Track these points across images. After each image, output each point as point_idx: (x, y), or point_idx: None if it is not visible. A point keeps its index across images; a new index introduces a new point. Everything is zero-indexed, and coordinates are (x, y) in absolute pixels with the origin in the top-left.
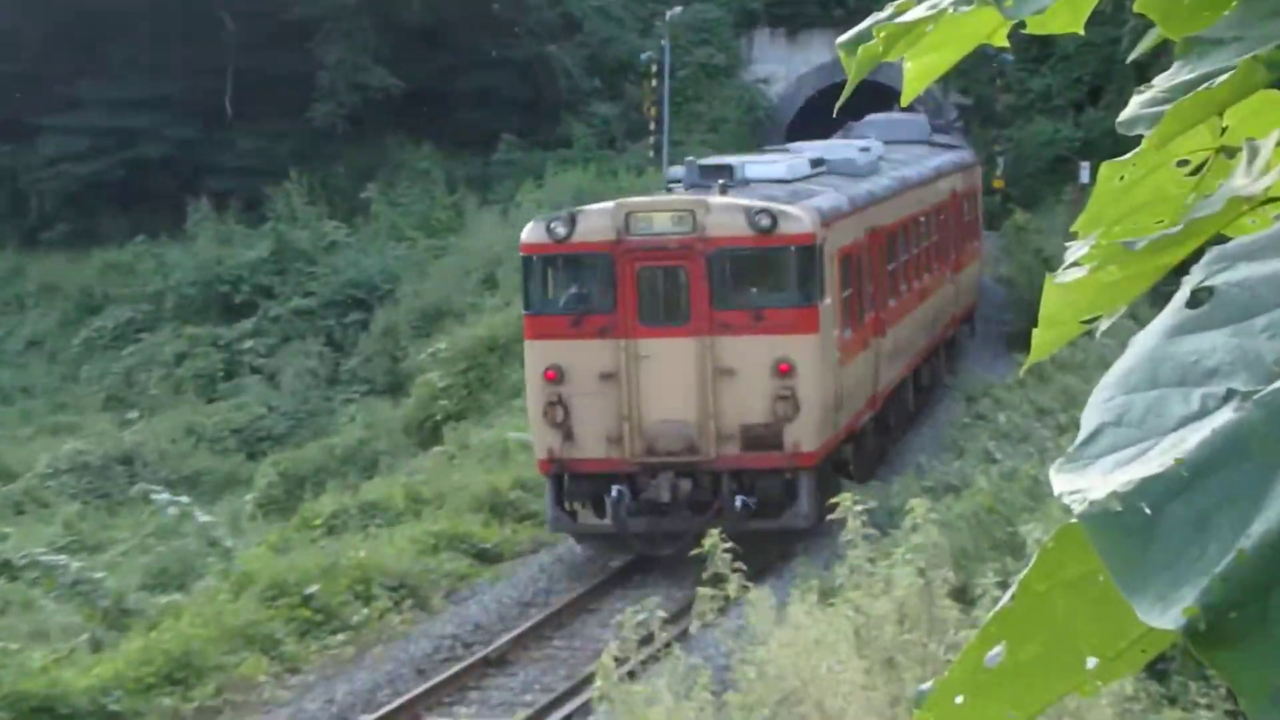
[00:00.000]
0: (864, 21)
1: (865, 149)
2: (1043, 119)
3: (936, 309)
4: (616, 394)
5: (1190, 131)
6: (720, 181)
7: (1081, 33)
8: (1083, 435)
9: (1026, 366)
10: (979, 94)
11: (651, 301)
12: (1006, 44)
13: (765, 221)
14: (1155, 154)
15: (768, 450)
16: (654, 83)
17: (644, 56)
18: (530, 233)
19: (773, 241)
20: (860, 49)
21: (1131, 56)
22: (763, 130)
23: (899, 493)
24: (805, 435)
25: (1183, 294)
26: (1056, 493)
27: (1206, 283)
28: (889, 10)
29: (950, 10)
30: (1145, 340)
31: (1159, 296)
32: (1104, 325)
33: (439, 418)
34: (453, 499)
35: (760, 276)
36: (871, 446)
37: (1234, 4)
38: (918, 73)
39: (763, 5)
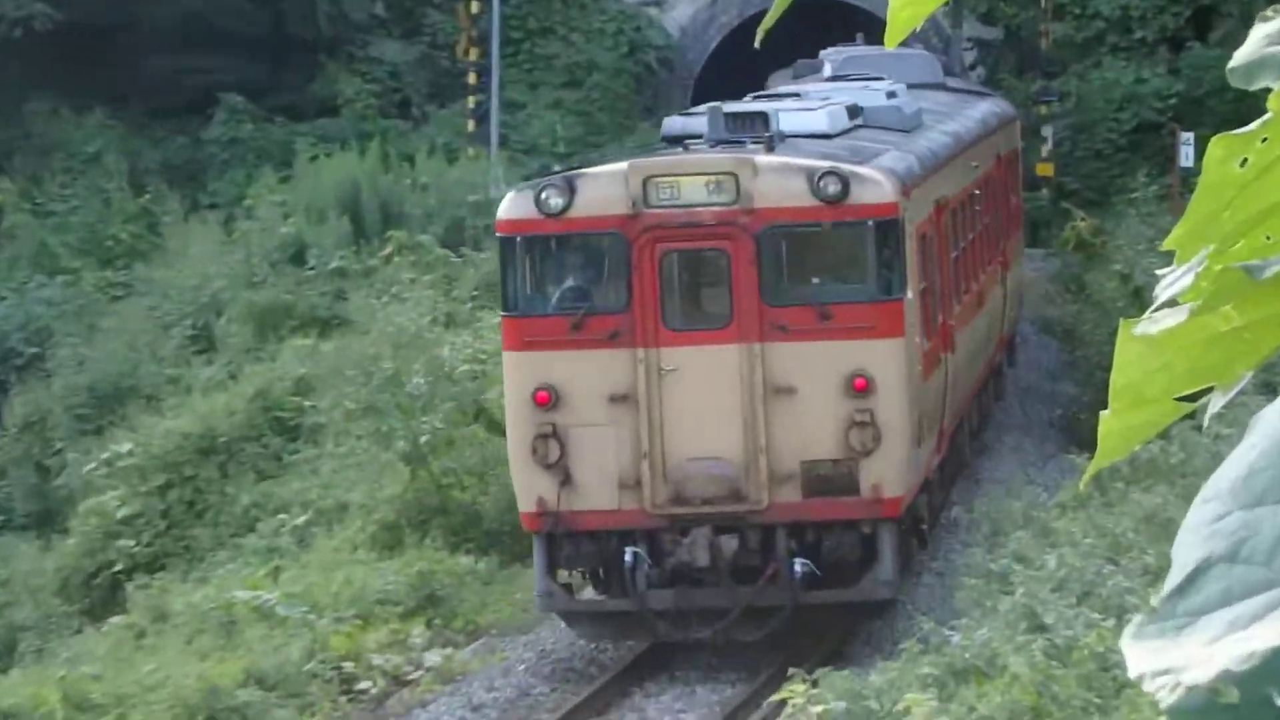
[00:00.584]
0: None
1: (893, 94)
2: (1117, 62)
3: (991, 321)
4: (633, 423)
5: None
6: (766, 135)
7: None
8: (1176, 578)
9: (1091, 473)
10: (1012, 23)
11: (680, 297)
12: None
13: (834, 188)
14: None
15: (839, 495)
16: (474, 8)
17: None
18: (511, 205)
19: (844, 214)
20: None
21: None
22: (655, 85)
23: (887, 686)
24: (889, 474)
25: None
26: (1134, 673)
27: None
28: None
29: None
30: (1276, 420)
31: None
32: (1216, 404)
33: (119, 569)
34: (143, 705)
35: (827, 261)
36: (939, 501)
37: None
38: None
39: None
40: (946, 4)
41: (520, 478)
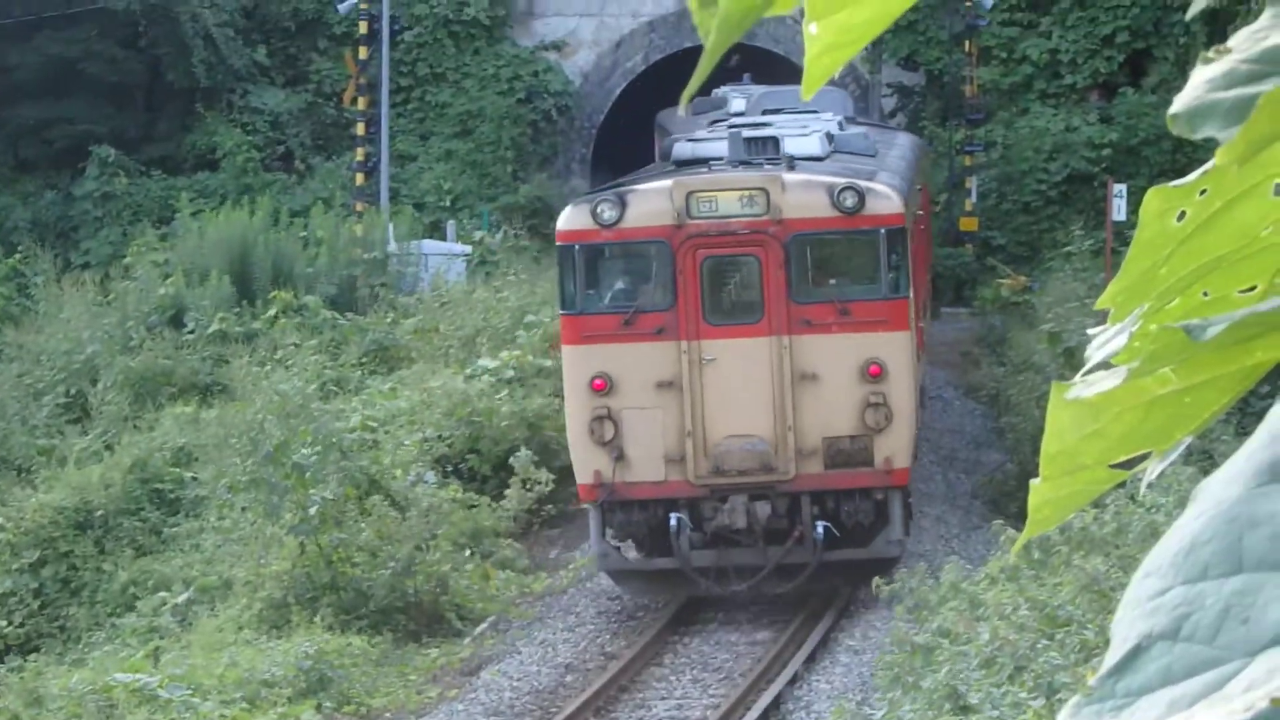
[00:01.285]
0: None
1: (843, 124)
2: (1046, 109)
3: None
4: (677, 406)
5: None
6: (779, 155)
7: None
8: (1115, 656)
9: (1021, 543)
10: (935, 68)
11: (718, 296)
12: None
13: (851, 200)
14: (1240, 172)
15: (856, 467)
16: (362, 53)
17: (344, 6)
18: (569, 218)
19: (860, 223)
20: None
21: (1194, 10)
22: (554, 134)
23: None
24: (898, 448)
25: None
26: None
27: None
28: None
29: None
30: (1220, 490)
31: (1246, 418)
32: (1154, 471)
33: None
34: None
35: (846, 264)
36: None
37: None
38: (832, 40)
39: None
40: (865, 50)
41: (579, 455)
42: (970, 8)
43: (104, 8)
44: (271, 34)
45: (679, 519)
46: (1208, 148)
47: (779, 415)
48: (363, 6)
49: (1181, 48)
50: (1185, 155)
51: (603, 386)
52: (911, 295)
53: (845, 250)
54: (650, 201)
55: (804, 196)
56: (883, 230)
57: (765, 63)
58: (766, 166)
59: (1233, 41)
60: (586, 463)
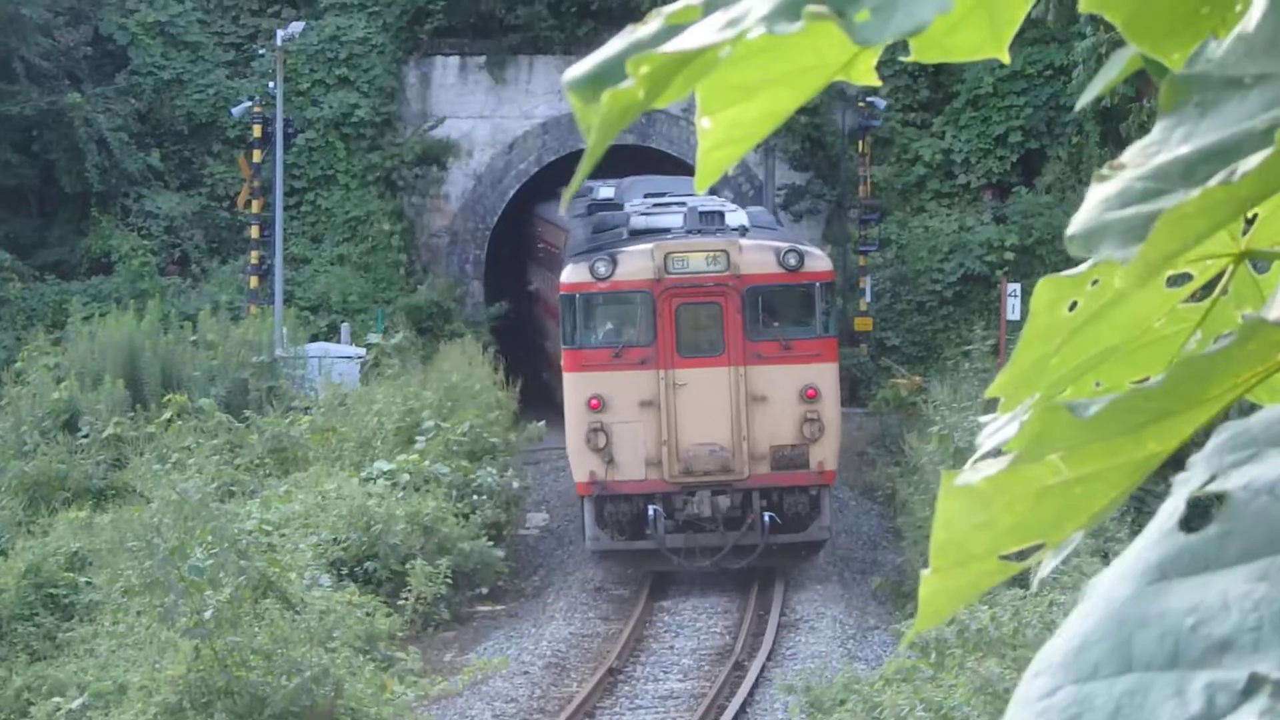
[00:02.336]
0: (609, 44)
1: (740, 203)
2: (940, 209)
3: None
4: (656, 420)
5: None
6: (724, 227)
7: (1005, 60)
8: None
9: (912, 634)
10: (827, 166)
11: (689, 334)
12: (876, 80)
13: (793, 260)
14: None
15: (795, 469)
16: (256, 156)
17: (237, 110)
18: (571, 273)
19: (800, 278)
20: (606, 95)
21: (1083, 101)
22: (446, 239)
23: None
24: (828, 454)
25: (1173, 505)
26: None
27: (1215, 486)
28: (652, 25)
29: (760, 29)
30: (1111, 588)
31: (1143, 516)
32: (1047, 566)
33: None
34: None
35: (788, 310)
36: None
37: (1255, 8)
38: (724, 136)
39: (443, 19)
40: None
41: (577, 459)
42: (864, 108)
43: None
44: (165, 138)
45: (656, 510)
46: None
47: (736, 428)
48: (256, 110)
49: (1074, 147)
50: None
51: (597, 405)
52: (837, 335)
53: (787, 299)
54: (636, 261)
55: (756, 256)
56: (817, 284)
57: (659, 162)
58: (719, 234)
59: (1126, 157)
60: (583, 465)
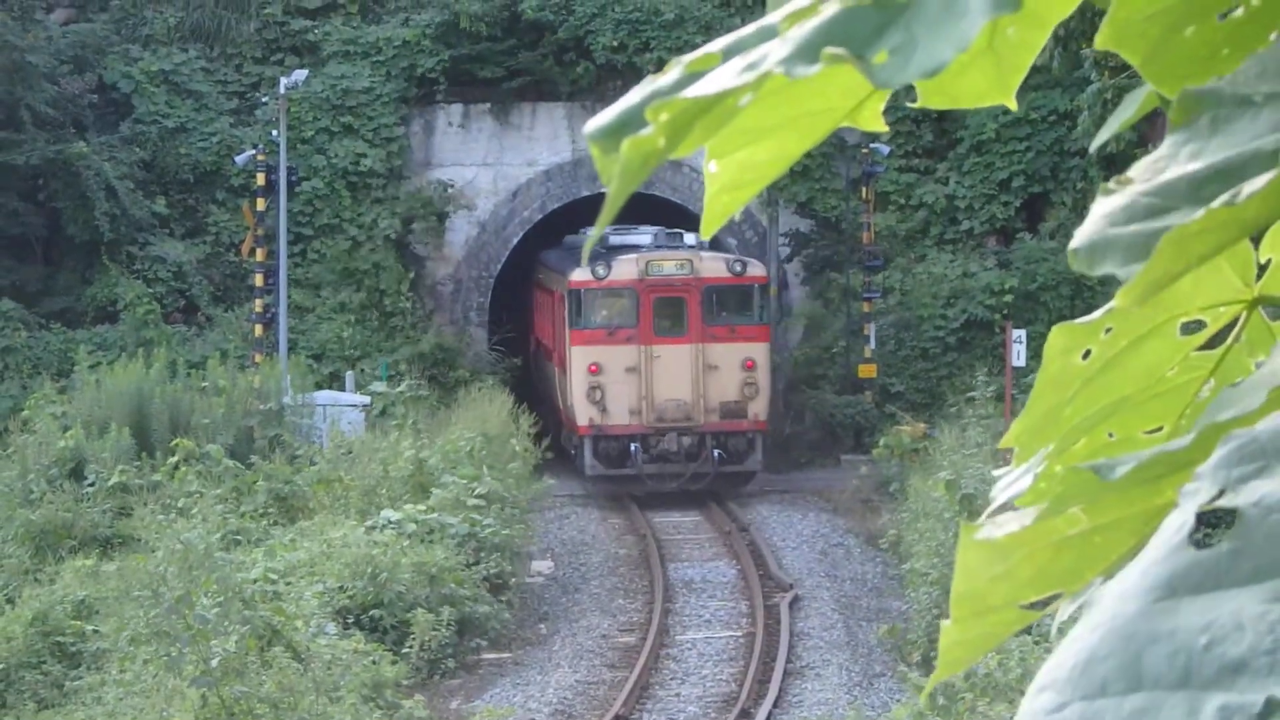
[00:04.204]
0: (630, 94)
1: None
2: (944, 255)
3: None
4: (638, 382)
5: (1202, 271)
6: (683, 244)
7: (1013, 106)
8: None
9: (931, 685)
10: (831, 214)
11: (662, 320)
12: (882, 126)
13: (739, 267)
14: (1145, 312)
15: (737, 419)
16: (260, 204)
17: (241, 158)
18: (578, 274)
19: (744, 280)
20: (626, 143)
21: (1097, 142)
22: (450, 287)
23: None
24: (761, 409)
25: (1181, 519)
26: None
27: (1224, 502)
28: (672, 73)
29: (779, 71)
30: (1117, 603)
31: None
32: (1064, 611)
33: None
34: None
35: (734, 304)
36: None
37: (1270, 36)
38: (731, 180)
39: (449, 64)
40: (762, 195)
41: (579, 409)
42: (867, 154)
43: (3, 162)
44: (169, 186)
45: (636, 446)
46: (1105, 293)
47: (695, 388)
48: (259, 158)
49: (1079, 192)
50: (1084, 301)
51: (595, 370)
52: (770, 323)
53: (734, 295)
54: (626, 265)
55: (712, 264)
56: (756, 285)
57: (661, 209)
58: (681, 249)
59: (1134, 171)
60: (584, 413)
